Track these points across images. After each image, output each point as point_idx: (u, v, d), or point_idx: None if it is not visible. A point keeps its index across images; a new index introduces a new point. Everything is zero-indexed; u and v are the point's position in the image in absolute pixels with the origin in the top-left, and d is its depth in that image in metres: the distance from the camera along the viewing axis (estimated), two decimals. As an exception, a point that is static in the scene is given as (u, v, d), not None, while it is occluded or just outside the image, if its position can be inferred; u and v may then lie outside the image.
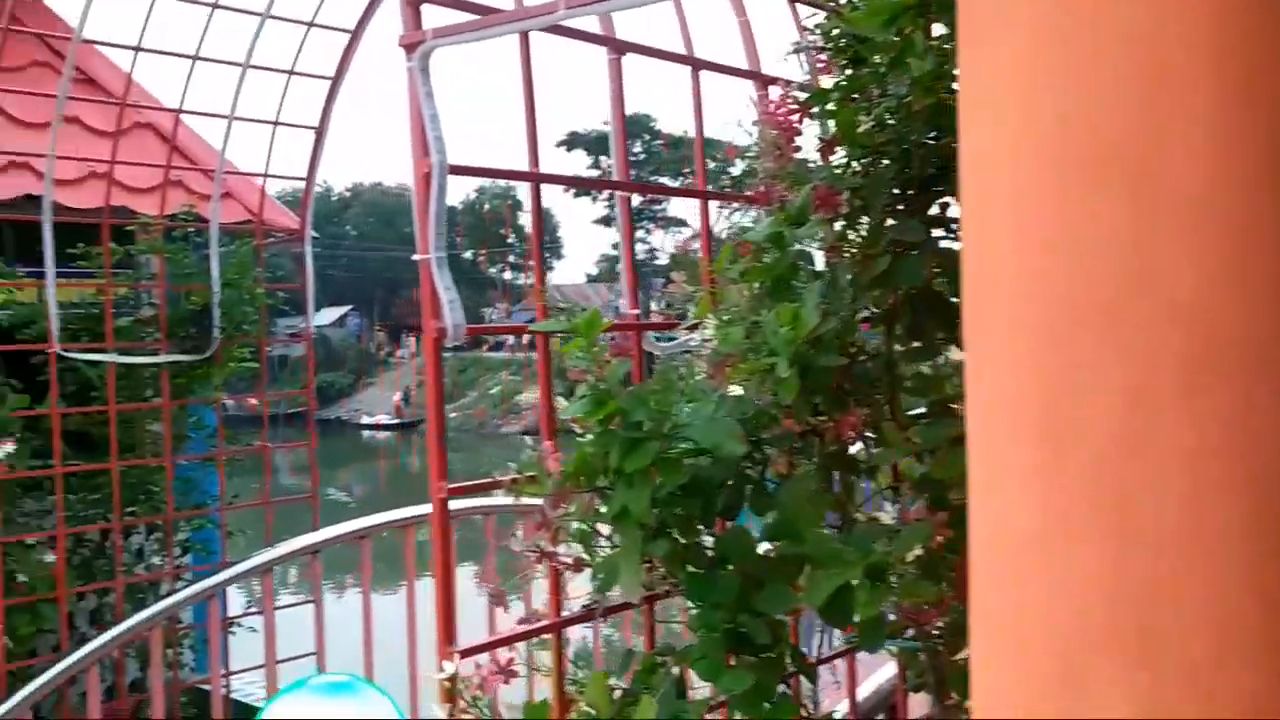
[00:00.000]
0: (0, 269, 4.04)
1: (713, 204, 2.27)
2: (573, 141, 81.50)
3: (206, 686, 4.58)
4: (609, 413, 1.35)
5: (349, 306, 64.85)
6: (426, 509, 4.36)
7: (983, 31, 0.59)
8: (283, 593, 4.46)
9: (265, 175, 4.49)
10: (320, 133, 4.51)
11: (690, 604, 1.55)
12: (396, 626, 4.14)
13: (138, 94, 5.20)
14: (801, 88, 1.89)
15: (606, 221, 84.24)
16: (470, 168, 1.60)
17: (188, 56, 4.10)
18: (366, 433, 50.26)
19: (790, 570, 1.60)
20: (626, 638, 3.35)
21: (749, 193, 2.09)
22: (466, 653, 1.50)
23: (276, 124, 4.36)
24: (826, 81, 1.88)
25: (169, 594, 4.43)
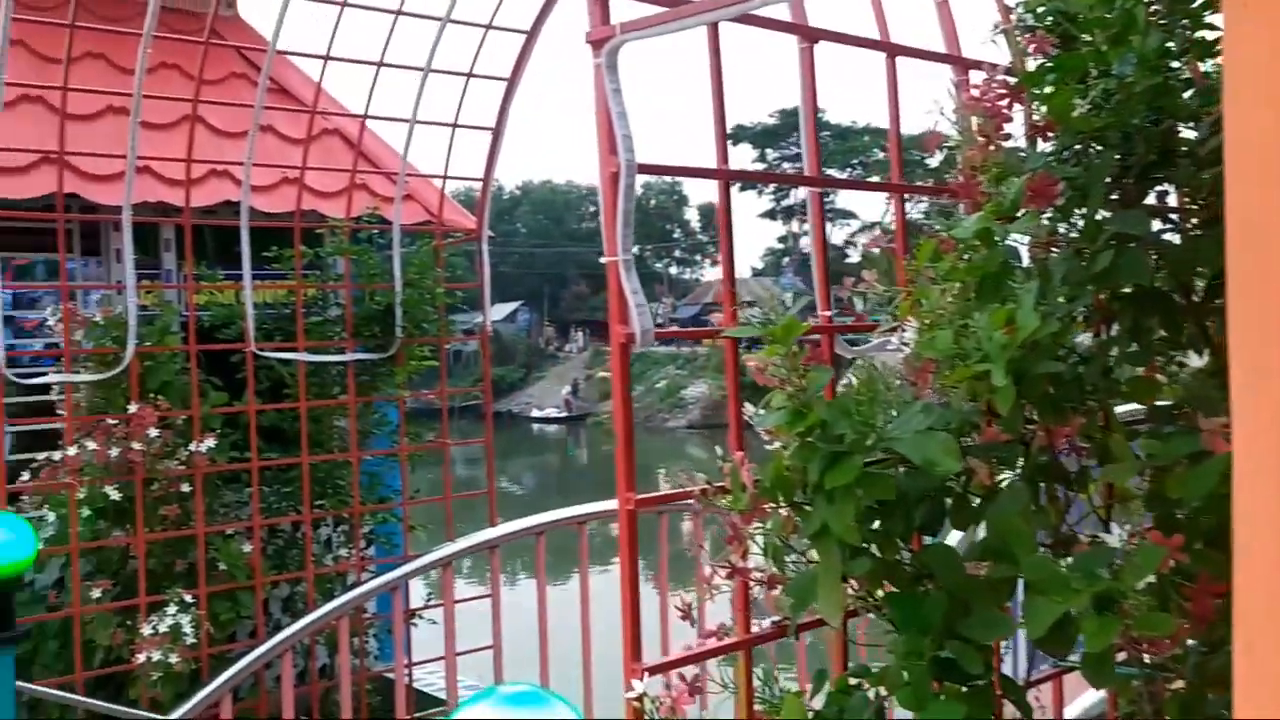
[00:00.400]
0: (202, 272, 4.25)
1: (880, 197, 2.15)
2: (737, 135, 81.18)
3: (390, 675, 4.72)
4: (809, 425, 1.26)
5: (519, 302, 66.56)
6: (599, 506, 4.41)
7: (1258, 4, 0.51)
8: (459, 581, 4.53)
9: (444, 176, 4.58)
10: (497, 133, 4.57)
11: (891, 625, 1.45)
12: (565, 616, 4.18)
13: (325, 102, 5.40)
14: (1008, 71, 1.75)
15: (772, 215, 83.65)
16: (658, 166, 1.55)
17: (373, 63, 4.21)
18: (536, 426, 51.55)
19: (1000, 593, 1.48)
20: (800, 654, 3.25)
21: (946, 185, 1.97)
22: (653, 670, 1.45)
23: (455, 126, 4.43)
24: (1032, 64, 1.74)
25: (355, 585, 4.58)
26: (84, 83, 4.07)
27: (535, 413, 53.88)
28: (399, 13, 4.11)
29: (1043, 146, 1.76)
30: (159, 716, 3.69)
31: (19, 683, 3.44)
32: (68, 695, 3.64)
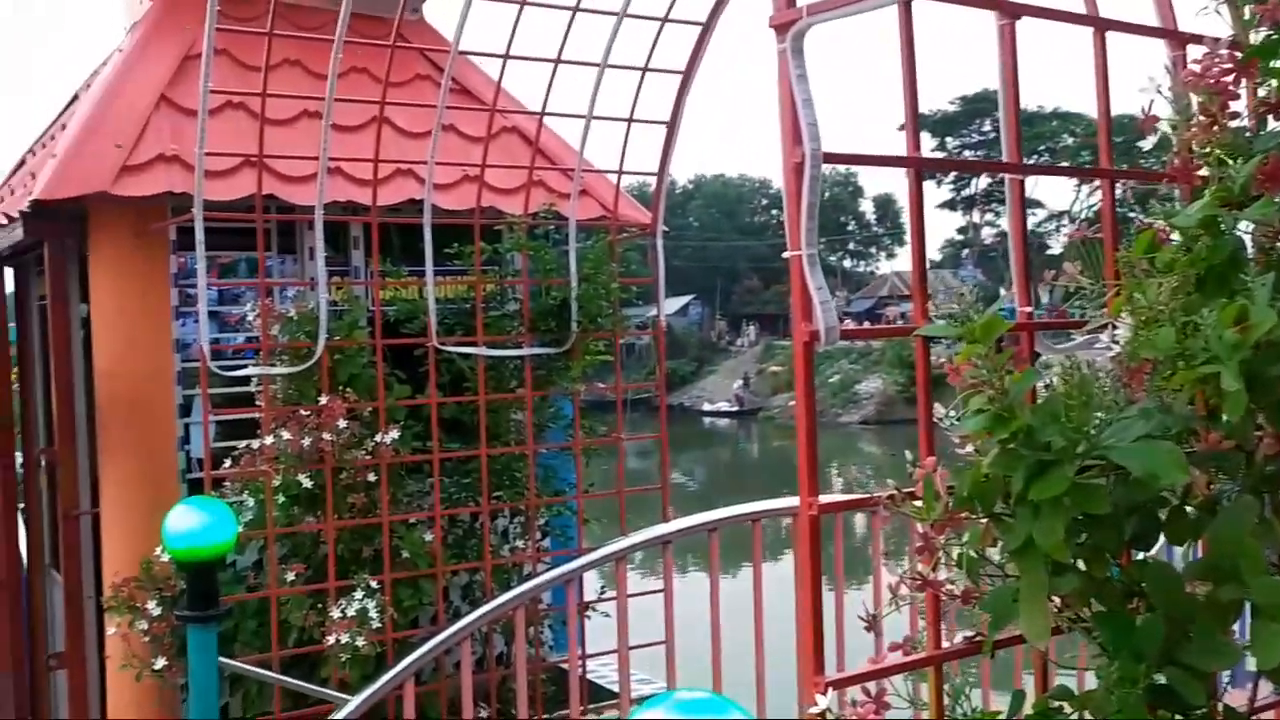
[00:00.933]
0: (387, 268, 4.39)
1: (1067, 186, 2.00)
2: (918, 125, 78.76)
3: (564, 666, 4.77)
4: (1013, 430, 1.17)
5: (691, 296, 66.82)
6: (774, 503, 4.34)
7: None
8: (630, 574, 4.54)
9: (619, 171, 4.59)
10: (672, 127, 4.55)
11: (1100, 645, 1.34)
12: (733, 609, 4.14)
13: (504, 100, 5.50)
14: (1231, 44, 1.60)
15: (951, 205, 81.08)
16: (844, 155, 1.47)
17: (550, 60, 4.25)
18: (707, 420, 51.66)
19: (1224, 616, 1.35)
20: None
21: (1157, 170, 1.82)
22: (836, 684, 1.38)
23: (631, 121, 4.43)
24: (1258, 36, 1.58)
25: (530, 576, 4.65)
26: (281, 89, 4.26)
27: (706, 406, 54.07)
28: (576, 9, 4.13)
29: (1274, 126, 1.60)
30: (346, 696, 3.84)
31: (221, 659, 3.64)
32: (265, 672, 3.82)
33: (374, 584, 4.00)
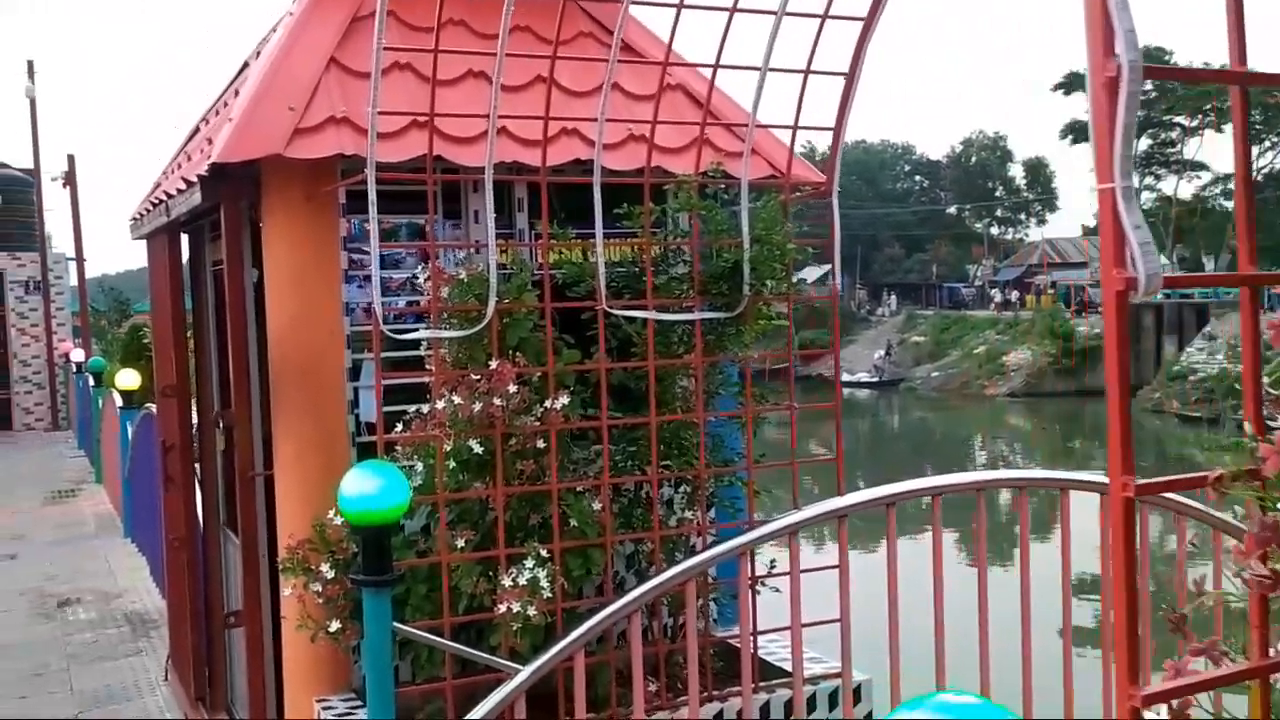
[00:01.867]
0: (554, 231, 4.27)
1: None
2: (1072, 84, 75.69)
3: (733, 642, 4.63)
4: None
5: (830, 264, 65.48)
6: (955, 479, 4.10)
7: None
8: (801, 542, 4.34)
9: (795, 127, 4.36)
10: (851, 78, 4.29)
11: None
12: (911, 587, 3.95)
13: (672, 56, 5.32)
14: None
15: (1107, 169, 77.07)
16: (1163, 69, 1.24)
17: (725, 9, 4.05)
18: (847, 390, 50.77)
19: None
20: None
21: None
22: (1151, 699, 1.17)
23: (808, 72, 4.19)
24: None
25: (697, 548, 4.51)
26: (448, 49, 4.17)
27: (846, 377, 53.27)
28: (752, -45, 3.91)
29: None
30: (516, 665, 3.77)
31: (394, 623, 3.61)
32: (437, 639, 3.79)
33: (544, 553, 3.92)
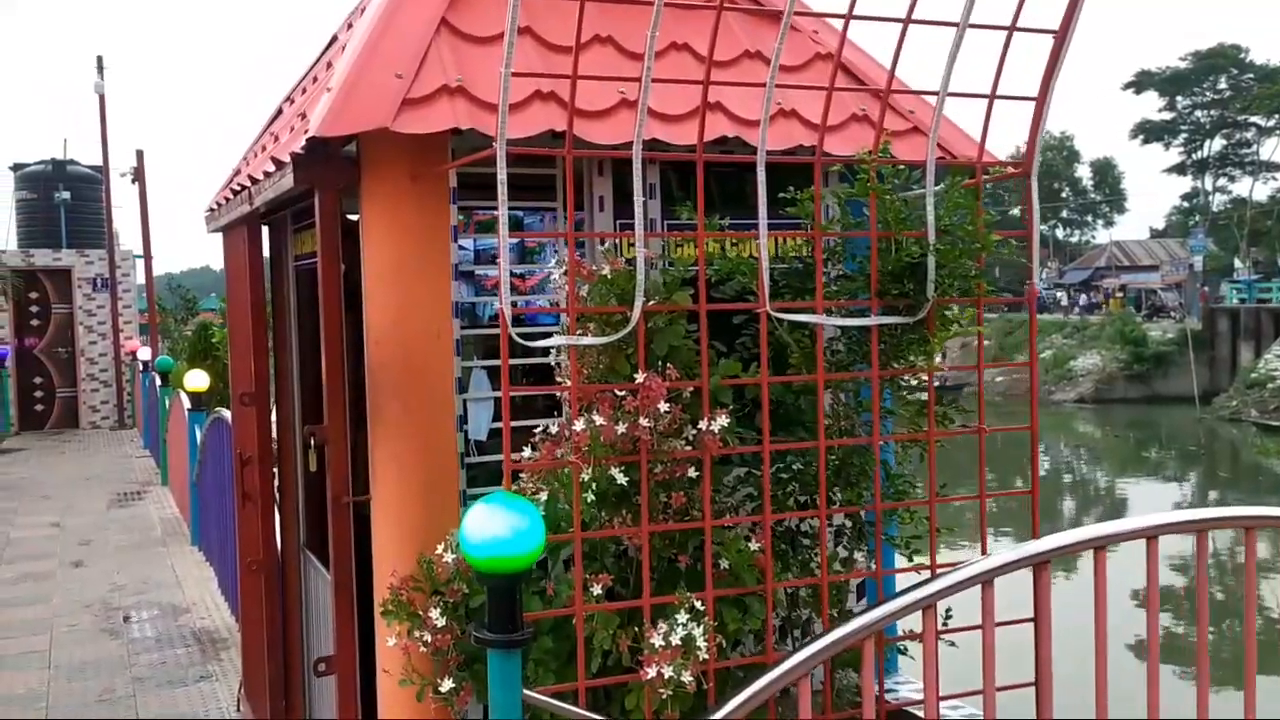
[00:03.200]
0: (710, 222, 3.61)
1: None
2: (1142, 82, 73.65)
3: (916, 710, 3.96)
4: None
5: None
6: (1166, 518, 3.40)
7: None
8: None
9: (992, 96, 3.66)
10: (1061, 38, 3.58)
11: None
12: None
13: (821, 25, 4.65)
14: None
15: (1180, 169, 75.17)
16: None
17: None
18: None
19: None
20: None
21: None
22: None
23: (1013, 30, 3.50)
24: None
25: (869, 594, 3.84)
26: (572, 13, 3.54)
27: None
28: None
29: None
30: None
31: (524, 690, 2.99)
32: (581, 712, 3.15)
33: (698, 604, 3.26)
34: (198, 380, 12.01)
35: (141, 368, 21.24)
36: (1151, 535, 3.28)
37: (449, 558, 3.63)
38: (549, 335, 3.50)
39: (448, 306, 3.94)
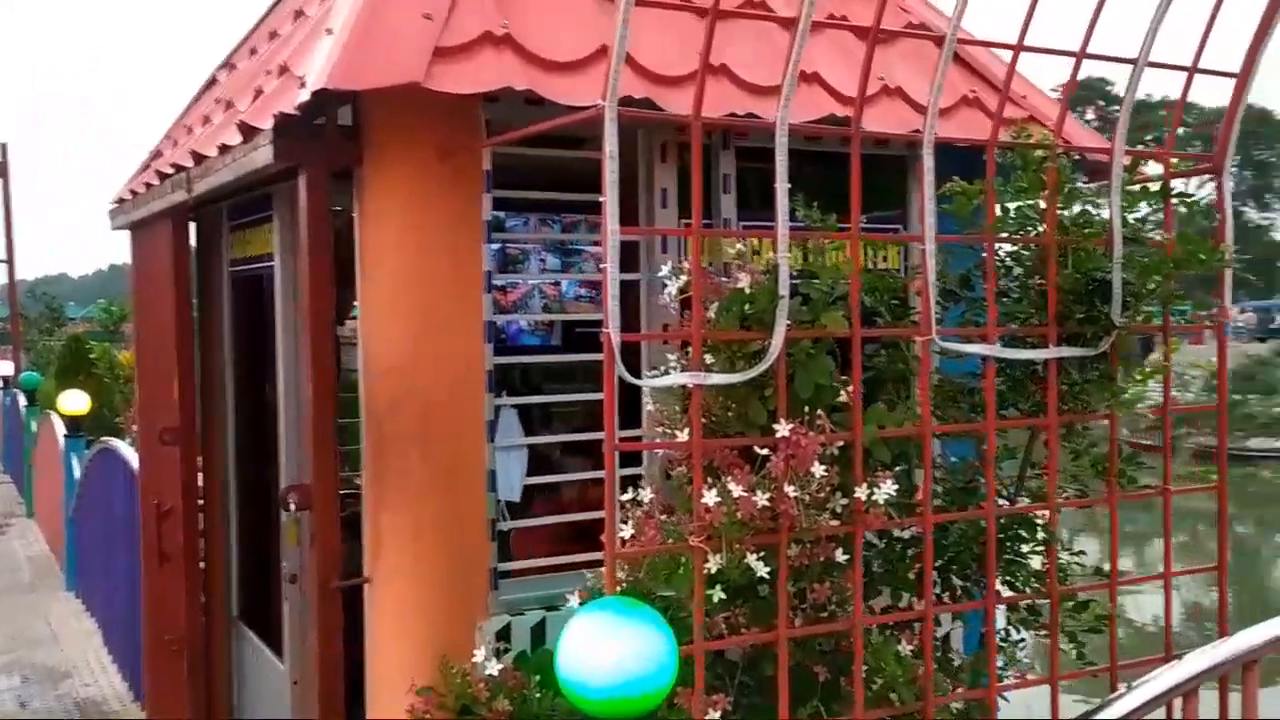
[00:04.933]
0: (822, 220, 2.73)
1: None
2: None
3: None
4: None
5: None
6: None
7: None
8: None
9: (1192, 69, 2.89)
10: (1275, 7, 2.84)
11: None
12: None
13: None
14: None
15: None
16: None
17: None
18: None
19: None
20: None
21: None
22: None
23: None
24: None
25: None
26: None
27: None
28: None
29: None
30: None
31: None
32: None
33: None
34: (75, 403, 10.55)
35: (2, 384, 19.23)
36: None
37: (496, 669, 2.68)
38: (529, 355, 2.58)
39: (479, 328, 2.98)
